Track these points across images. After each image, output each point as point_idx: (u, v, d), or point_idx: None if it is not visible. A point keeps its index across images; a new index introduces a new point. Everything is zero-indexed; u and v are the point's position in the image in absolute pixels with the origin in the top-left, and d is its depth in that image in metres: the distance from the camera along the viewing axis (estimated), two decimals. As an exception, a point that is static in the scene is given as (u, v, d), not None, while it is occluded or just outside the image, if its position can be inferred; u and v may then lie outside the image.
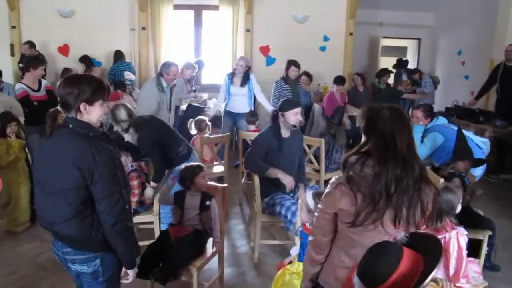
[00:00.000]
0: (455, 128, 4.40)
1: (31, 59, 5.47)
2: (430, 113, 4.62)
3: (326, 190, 2.02)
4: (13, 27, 8.23)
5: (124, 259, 2.36)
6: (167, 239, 3.34)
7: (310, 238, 2.13)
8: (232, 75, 6.34)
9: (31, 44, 7.70)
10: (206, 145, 5.34)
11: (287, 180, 3.95)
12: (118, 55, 8.12)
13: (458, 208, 3.13)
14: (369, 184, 1.88)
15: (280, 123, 4.09)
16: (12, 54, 8.16)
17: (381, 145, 1.89)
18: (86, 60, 8.00)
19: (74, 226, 2.22)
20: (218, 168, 5.52)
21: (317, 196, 2.95)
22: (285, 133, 4.11)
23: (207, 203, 3.44)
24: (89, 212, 2.23)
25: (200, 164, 3.58)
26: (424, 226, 3.10)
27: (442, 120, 4.60)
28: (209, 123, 5.66)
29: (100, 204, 2.21)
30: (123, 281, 2.48)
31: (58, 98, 2.28)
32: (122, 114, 4.04)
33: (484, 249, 3.71)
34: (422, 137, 4.53)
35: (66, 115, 2.26)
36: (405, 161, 1.88)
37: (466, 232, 3.18)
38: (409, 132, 1.95)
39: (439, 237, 2.99)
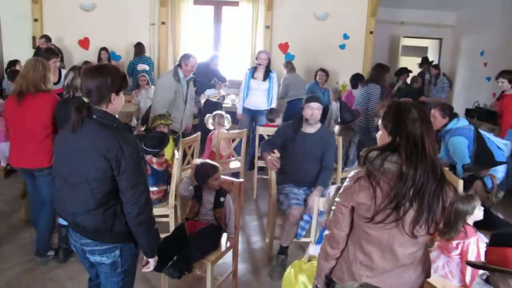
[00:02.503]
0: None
1: (43, 52, 5.40)
2: (449, 113, 4.50)
3: (345, 184, 2.01)
4: (36, 20, 8.35)
5: (146, 248, 2.40)
6: (182, 233, 3.35)
7: (326, 232, 2.12)
8: (254, 69, 6.32)
9: (47, 38, 7.81)
10: (223, 140, 5.34)
11: (267, 164, 4.05)
12: (139, 48, 8.16)
13: (478, 216, 3.07)
14: (389, 180, 1.86)
15: (303, 117, 4.11)
16: (34, 47, 8.26)
17: (410, 146, 1.86)
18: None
19: (97, 217, 2.24)
20: (235, 164, 5.52)
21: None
22: (307, 127, 4.09)
23: (221, 199, 3.43)
24: (112, 203, 2.25)
25: (216, 165, 3.51)
26: (438, 239, 3.08)
27: (463, 122, 4.47)
28: (229, 116, 5.65)
29: (126, 194, 2.22)
30: (144, 270, 2.51)
31: (84, 90, 2.26)
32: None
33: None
34: (440, 141, 4.44)
35: (92, 106, 2.26)
36: (433, 163, 1.87)
37: (486, 240, 3.12)
38: (434, 132, 1.94)
39: (458, 242, 2.96)
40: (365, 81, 6.77)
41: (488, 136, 4.34)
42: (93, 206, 2.22)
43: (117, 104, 2.32)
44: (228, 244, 3.44)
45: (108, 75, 2.26)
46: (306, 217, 3.89)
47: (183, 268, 3.11)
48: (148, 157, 3.98)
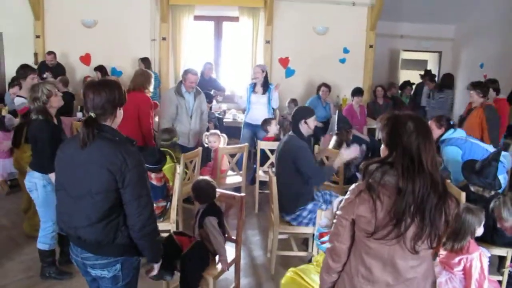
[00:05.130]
0: (474, 141, 4.36)
1: (19, 69, 5.09)
2: (445, 124, 4.53)
3: (346, 197, 2.00)
4: (38, 36, 8.42)
5: (150, 257, 2.45)
6: (173, 243, 3.35)
7: (328, 245, 2.11)
8: (254, 84, 6.37)
9: (55, 55, 7.88)
10: (224, 155, 5.35)
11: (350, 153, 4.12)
12: (145, 64, 8.12)
13: (479, 231, 3.06)
14: (390, 194, 1.84)
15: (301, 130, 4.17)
16: (36, 63, 8.30)
17: (406, 161, 1.84)
18: (102, 69, 8.14)
19: (100, 230, 2.24)
20: (236, 179, 5.51)
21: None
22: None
23: (201, 221, 3.39)
24: (115, 215, 2.25)
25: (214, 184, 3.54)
26: (443, 249, 3.06)
27: (460, 133, 4.49)
28: (225, 136, 5.64)
29: (129, 207, 2.23)
30: (150, 275, 2.60)
31: (91, 105, 2.28)
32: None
33: (508, 266, 3.62)
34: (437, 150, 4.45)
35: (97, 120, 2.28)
36: (432, 177, 1.83)
37: (489, 254, 3.10)
38: (433, 144, 1.90)
39: (460, 258, 2.93)
40: (438, 87, 8.03)
41: (487, 147, 4.34)
42: (95, 219, 2.22)
43: (119, 118, 2.37)
44: (221, 266, 3.37)
45: (115, 89, 2.31)
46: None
47: None
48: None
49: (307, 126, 4.14)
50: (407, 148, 1.85)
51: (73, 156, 2.27)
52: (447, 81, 8.10)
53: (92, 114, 2.25)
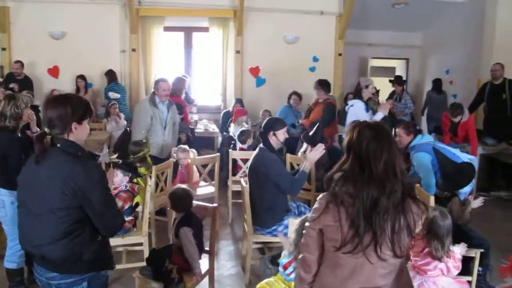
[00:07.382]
0: (442, 145, 4.46)
1: None
2: (413, 130, 4.63)
3: (313, 207, 2.02)
4: (4, 49, 8.21)
5: None
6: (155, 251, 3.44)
7: (299, 256, 2.11)
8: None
9: (22, 64, 7.73)
10: (195, 165, 5.33)
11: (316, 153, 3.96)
12: (110, 75, 8.13)
13: None
14: (350, 204, 1.86)
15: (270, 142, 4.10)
16: (2, 76, 8.11)
17: (356, 167, 1.89)
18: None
19: (64, 247, 2.18)
20: (209, 189, 5.48)
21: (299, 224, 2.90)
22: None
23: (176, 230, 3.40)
24: (80, 231, 2.21)
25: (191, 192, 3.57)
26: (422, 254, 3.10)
27: (427, 138, 4.59)
28: (194, 151, 5.61)
29: (96, 222, 2.23)
30: None
31: (45, 119, 2.26)
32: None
33: (477, 267, 3.68)
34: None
35: (55, 135, 2.25)
36: (382, 183, 1.85)
37: (459, 250, 3.16)
38: (390, 152, 1.89)
39: (435, 264, 2.98)
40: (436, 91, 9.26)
41: (454, 151, 4.43)
42: (59, 236, 2.17)
43: (80, 133, 2.31)
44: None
45: (68, 104, 2.25)
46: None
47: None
48: (129, 185, 3.97)
49: (276, 139, 4.06)
50: (359, 155, 1.90)
51: (33, 173, 2.23)
52: (441, 84, 9.28)
53: (46, 129, 2.24)
